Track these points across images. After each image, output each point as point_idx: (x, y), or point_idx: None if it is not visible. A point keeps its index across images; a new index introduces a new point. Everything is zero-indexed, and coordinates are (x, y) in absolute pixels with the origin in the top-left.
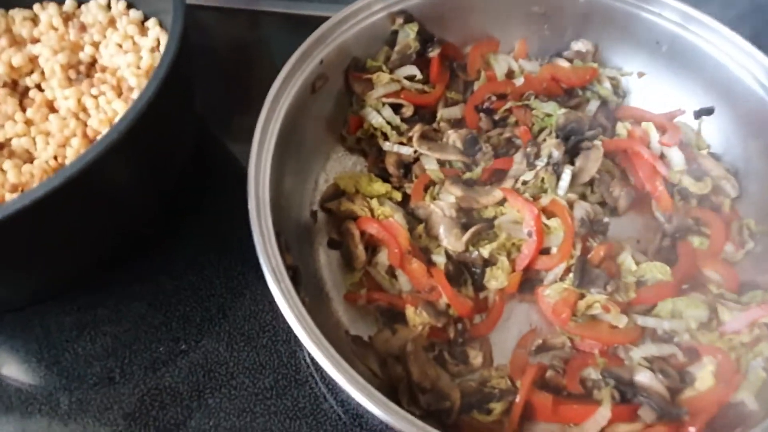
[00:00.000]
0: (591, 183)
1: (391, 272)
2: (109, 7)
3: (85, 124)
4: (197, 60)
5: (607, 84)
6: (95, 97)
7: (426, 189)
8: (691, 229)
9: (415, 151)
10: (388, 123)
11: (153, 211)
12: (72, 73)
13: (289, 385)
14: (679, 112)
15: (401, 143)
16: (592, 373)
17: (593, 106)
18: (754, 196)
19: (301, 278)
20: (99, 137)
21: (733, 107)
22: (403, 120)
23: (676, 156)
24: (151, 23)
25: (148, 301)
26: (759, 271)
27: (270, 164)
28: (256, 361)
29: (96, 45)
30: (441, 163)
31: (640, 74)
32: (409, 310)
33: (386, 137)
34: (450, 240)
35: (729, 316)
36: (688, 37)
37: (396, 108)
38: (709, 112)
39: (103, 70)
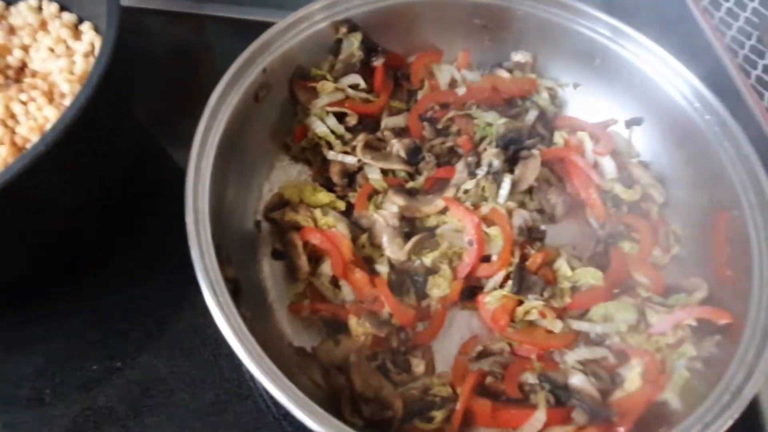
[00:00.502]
0: (530, 191)
1: (334, 282)
2: (40, 9)
3: (14, 132)
4: (138, 64)
5: (545, 94)
6: (24, 103)
7: (369, 198)
8: (622, 235)
9: (359, 161)
10: (333, 132)
11: (90, 222)
12: (0, 78)
13: (231, 400)
14: (612, 121)
15: (345, 152)
16: (530, 378)
17: (532, 115)
18: (679, 202)
19: (243, 291)
20: (28, 145)
21: (660, 118)
22: (347, 129)
23: (608, 165)
24: (86, 27)
25: (82, 317)
26: (683, 274)
27: (210, 173)
28: (196, 376)
29: (26, 48)
30: (385, 172)
31: (576, 85)
32: (352, 321)
33: (330, 146)
34: (393, 249)
35: (656, 318)
36: (618, 51)
37: (340, 117)
38: (638, 122)
39: (34, 75)
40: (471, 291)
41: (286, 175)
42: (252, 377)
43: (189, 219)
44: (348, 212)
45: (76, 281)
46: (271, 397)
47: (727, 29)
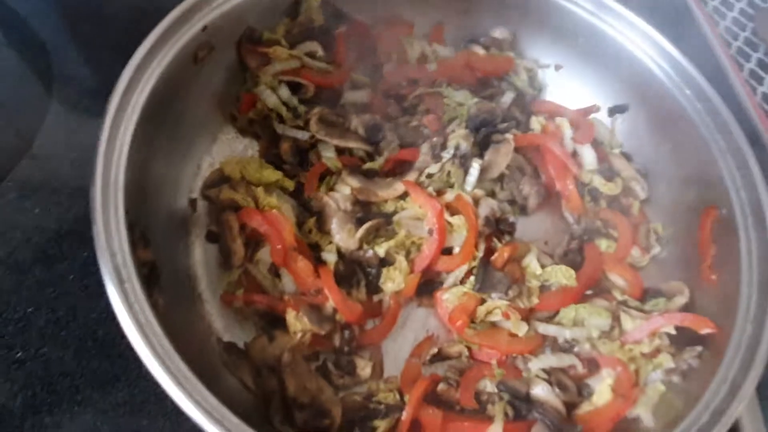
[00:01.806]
0: (501, 179)
1: (273, 271)
2: None
3: None
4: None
5: (524, 75)
6: None
7: (322, 179)
8: (599, 232)
9: (312, 136)
10: (285, 104)
11: None
12: None
13: (147, 400)
14: (594, 108)
15: (298, 127)
16: (488, 386)
17: (508, 97)
18: (662, 199)
19: (161, 276)
20: None
21: (647, 106)
22: (301, 101)
23: (588, 154)
24: None
25: None
26: (663, 277)
27: (130, 141)
28: (109, 372)
29: None
30: (341, 151)
31: (557, 67)
32: (290, 315)
33: (282, 120)
34: (342, 236)
35: (631, 324)
36: (603, 29)
37: (294, 88)
38: (623, 109)
39: None
40: (429, 286)
41: (231, 149)
42: None
43: (95, 191)
44: (298, 194)
45: None
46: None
47: (720, 19)
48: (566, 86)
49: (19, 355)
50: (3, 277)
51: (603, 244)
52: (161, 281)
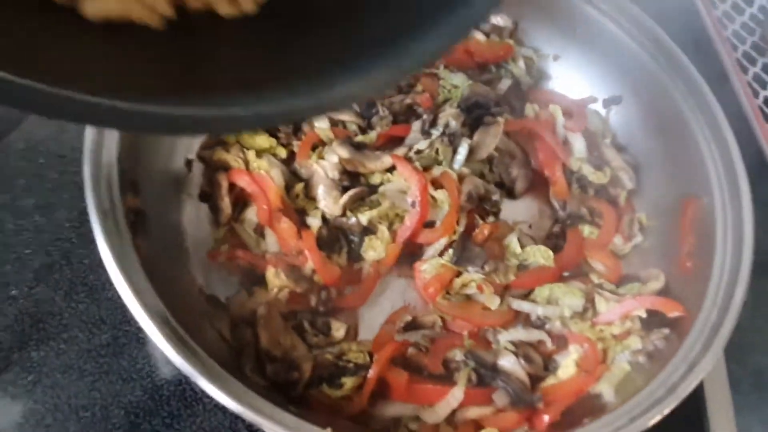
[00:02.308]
0: (490, 161)
1: (259, 231)
2: None
3: None
4: None
5: (522, 63)
6: None
7: (314, 149)
8: (584, 218)
9: None
10: None
11: None
12: None
13: (129, 343)
14: (591, 99)
15: None
16: (458, 355)
17: (505, 84)
18: (649, 191)
19: (148, 225)
20: None
21: (641, 100)
22: None
23: (578, 143)
24: None
25: None
26: (643, 265)
27: None
28: (95, 314)
29: None
30: (334, 123)
31: (556, 57)
32: (270, 272)
33: None
34: (328, 202)
35: (605, 307)
36: (602, 20)
37: None
38: (617, 101)
39: None
40: (410, 259)
41: None
42: None
43: (88, 135)
44: (289, 161)
45: None
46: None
47: (729, 23)
48: (564, 76)
49: (13, 292)
50: (5, 219)
51: (586, 230)
52: (147, 230)
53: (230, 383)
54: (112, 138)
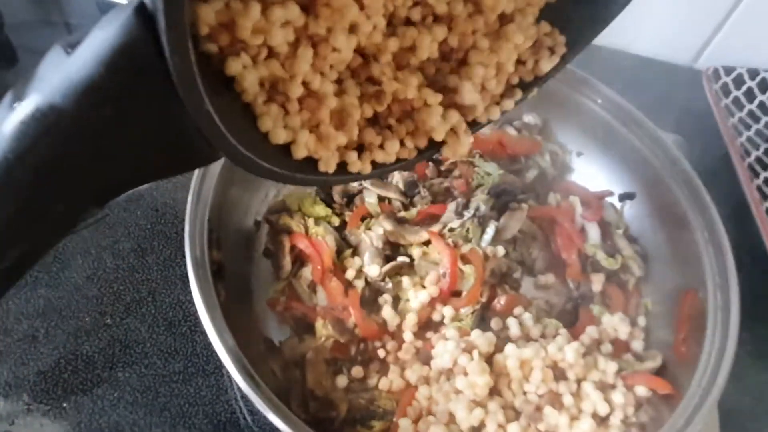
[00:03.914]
0: (514, 242)
1: (312, 287)
2: None
3: None
4: None
5: (548, 157)
6: None
7: (363, 220)
8: (594, 299)
9: (360, 184)
10: None
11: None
12: None
13: (197, 373)
14: (608, 193)
15: None
16: None
17: (532, 174)
18: (655, 280)
19: (225, 275)
20: None
21: (651, 199)
22: None
23: (594, 231)
24: None
25: (87, 274)
26: (645, 345)
27: (217, 174)
28: (171, 346)
29: None
30: (381, 199)
31: (579, 153)
32: (318, 323)
33: None
34: (371, 268)
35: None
36: (617, 127)
37: None
38: (631, 197)
39: None
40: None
41: (292, 186)
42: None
43: (189, 201)
44: (341, 229)
45: (85, 243)
46: (232, 379)
47: (738, 110)
48: (585, 171)
49: (107, 321)
50: (107, 259)
51: (596, 309)
52: (225, 279)
53: (288, 414)
54: (205, 203)
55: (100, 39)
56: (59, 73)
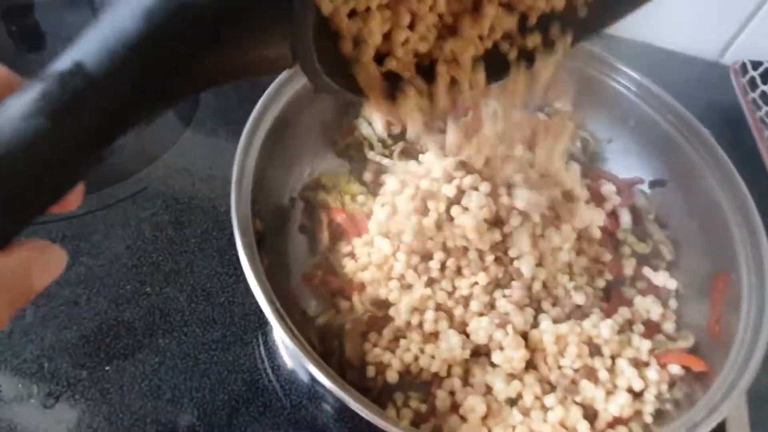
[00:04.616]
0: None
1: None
2: None
3: None
4: None
5: (579, 144)
6: None
7: None
8: (626, 283)
9: (393, 164)
10: (376, 135)
11: None
12: None
13: (234, 342)
14: (639, 179)
15: (383, 155)
16: None
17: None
18: (686, 264)
19: (266, 244)
20: None
21: (683, 185)
22: (390, 135)
23: (625, 216)
24: None
25: (126, 244)
26: (676, 328)
27: (257, 153)
28: (210, 315)
29: None
30: None
31: (609, 140)
32: (355, 297)
33: (371, 147)
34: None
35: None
36: (650, 113)
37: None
38: (662, 184)
39: None
40: None
41: (328, 165)
42: (257, 326)
43: (234, 172)
44: None
45: (125, 214)
46: (268, 349)
47: None
48: (616, 158)
49: (147, 289)
50: (146, 230)
51: (628, 291)
52: (266, 249)
53: (331, 372)
54: (248, 174)
55: None
56: None
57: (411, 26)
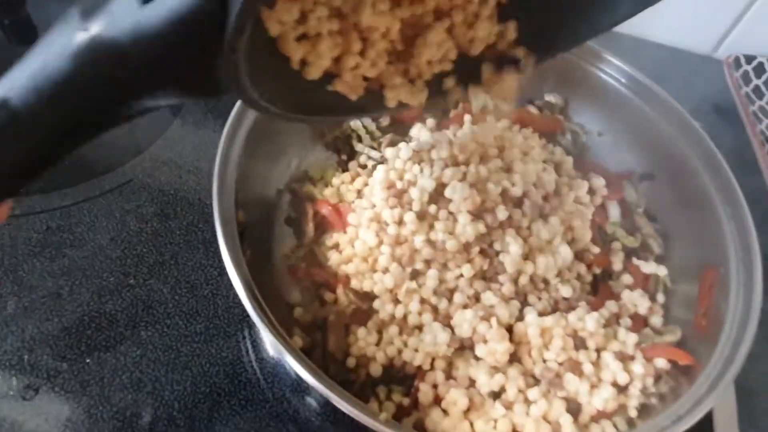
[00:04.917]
0: None
1: None
2: None
3: None
4: None
5: (569, 136)
6: None
7: None
8: (613, 276)
9: (382, 156)
10: (364, 127)
11: None
12: None
13: (218, 334)
14: (628, 174)
15: (371, 147)
16: None
17: None
18: (674, 258)
19: (249, 236)
20: None
21: (671, 177)
22: (378, 128)
23: (614, 209)
24: None
25: (111, 235)
26: (663, 322)
27: (242, 144)
28: (193, 307)
29: None
30: None
31: (600, 133)
32: (339, 289)
33: (360, 139)
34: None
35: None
36: (641, 106)
37: None
38: (650, 177)
39: None
40: None
41: (315, 157)
42: (240, 319)
43: (217, 162)
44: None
45: (109, 206)
46: (252, 342)
47: (765, 117)
48: (605, 151)
49: (131, 281)
50: (130, 222)
51: (615, 285)
52: (249, 241)
53: (311, 365)
54: (232, 166)
55: (177, 3)
56: (131, 18)
57: (362, 52)
